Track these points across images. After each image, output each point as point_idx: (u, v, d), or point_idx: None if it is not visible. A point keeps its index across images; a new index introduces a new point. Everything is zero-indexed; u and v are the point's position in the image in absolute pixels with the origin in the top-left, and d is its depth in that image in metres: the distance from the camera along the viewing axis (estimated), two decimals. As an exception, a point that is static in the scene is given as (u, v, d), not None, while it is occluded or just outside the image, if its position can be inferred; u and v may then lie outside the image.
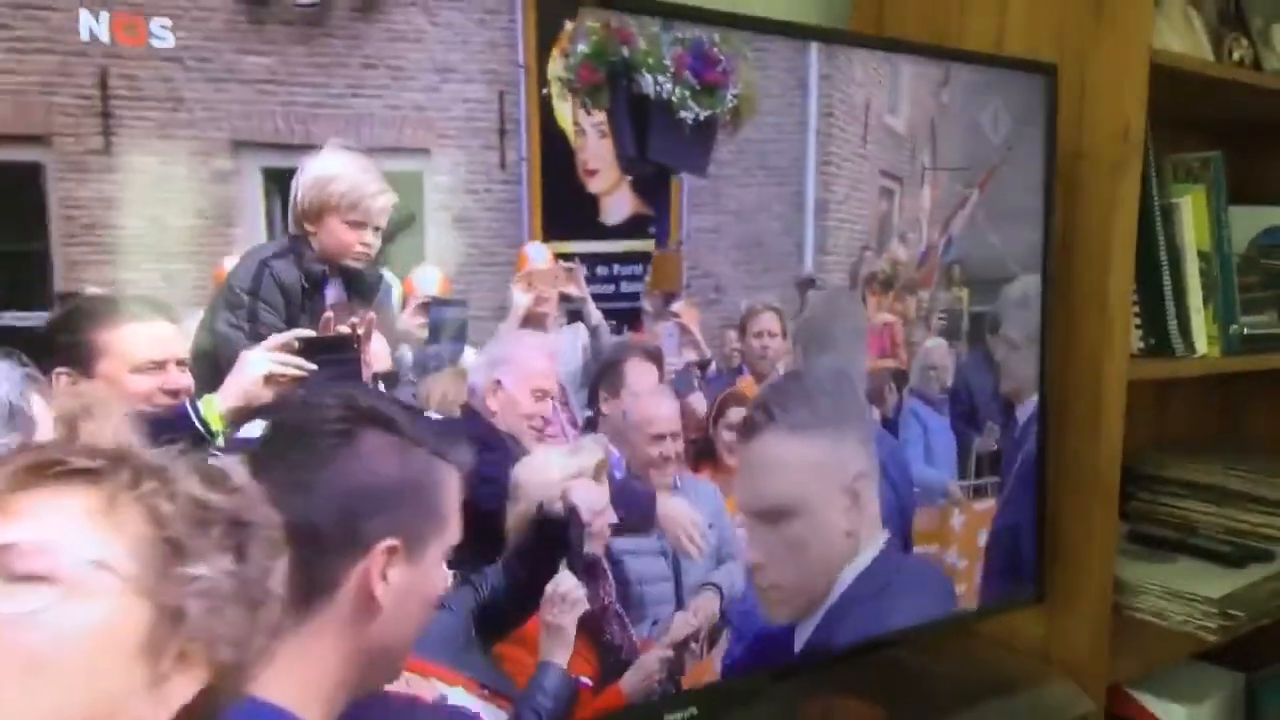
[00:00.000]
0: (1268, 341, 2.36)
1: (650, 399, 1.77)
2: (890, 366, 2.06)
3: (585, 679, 1.60)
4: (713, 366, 1.85)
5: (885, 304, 2.03)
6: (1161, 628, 2.21)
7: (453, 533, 1.18)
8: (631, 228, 1.70)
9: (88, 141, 1.24)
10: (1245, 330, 2.30)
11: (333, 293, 1.44)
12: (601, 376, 1.74)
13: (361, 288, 1.46)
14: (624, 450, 1.74)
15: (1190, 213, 2.19)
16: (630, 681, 1.63)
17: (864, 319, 1.99)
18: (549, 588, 1.53)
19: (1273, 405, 2.81)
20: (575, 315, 1.67)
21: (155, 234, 1.30)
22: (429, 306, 1.51)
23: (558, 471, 1.59)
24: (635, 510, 1.69)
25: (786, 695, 1.86)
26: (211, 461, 1.02)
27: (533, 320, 1.63)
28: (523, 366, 1.61)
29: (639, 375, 1.75)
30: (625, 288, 1.72)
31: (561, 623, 1.54)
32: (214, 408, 1.29)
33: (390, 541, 1.10)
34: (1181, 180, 2.28)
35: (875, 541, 1.69)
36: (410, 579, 1.13)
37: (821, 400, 1.78)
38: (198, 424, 1.27)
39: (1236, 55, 2.26)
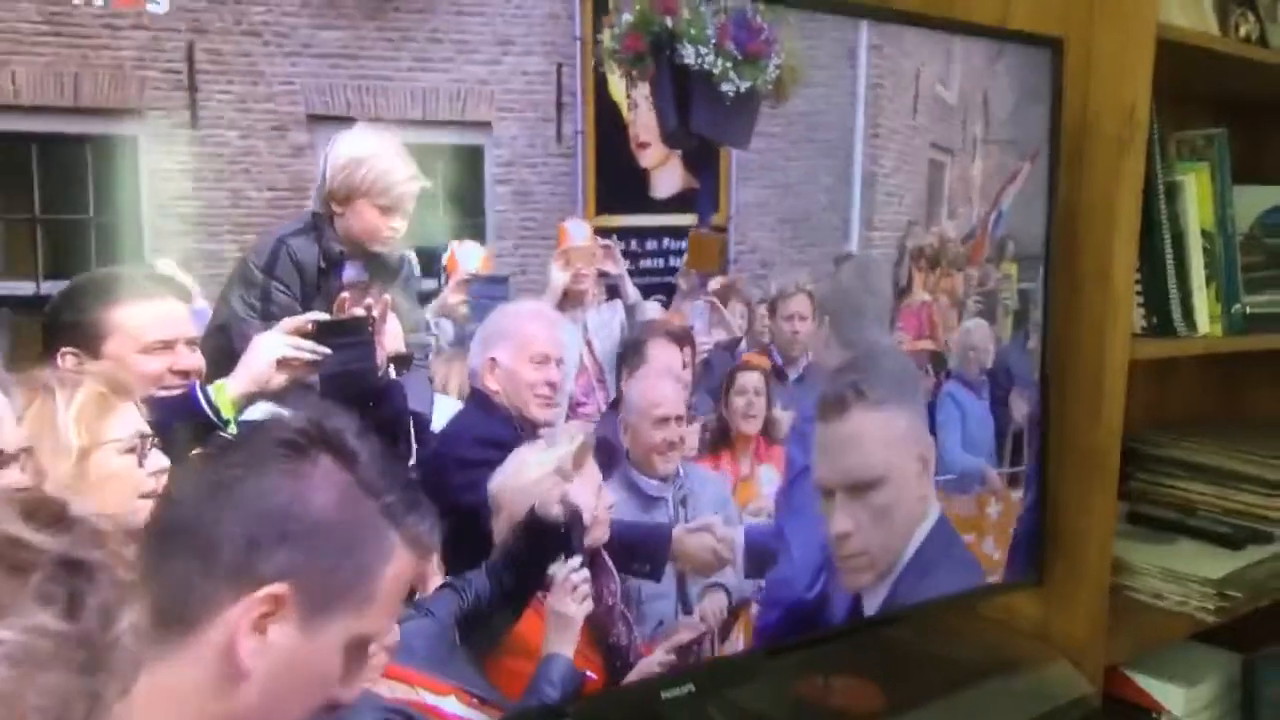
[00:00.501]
0: (1270, 321, 2.34)
1: (654, 381, 1.72)
2: (927, 348, 2.02)
3: (590, 673, 1.57)
4: (742, 345, 1.82)
5: (931, 281, 1.99)
6: (1159, 608, 2.20)
7: (375, 621, 1.00)
8: (680, 202, 1.68)
9: (176, 115, 1.24)
10: (1248, 309, 2.29)
11: (350, 272, 1.40)
12: (624, 356, 1.72)
13: (382, 269, 1.42)
14: (627, 436, 1.71)
15: (1194, 191, 2.17)
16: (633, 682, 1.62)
17: (891, 292, 1.95)
18: (559, 574, 1.50)
19: (1275, 385, 2.79)
20: (614, 292, 1.66)
21: (234, 207, 1.30)
22: (469, 284, 1.50)
23: (535, 470, 1.54)
24: (646, 551, 1.67)
25: (784, 673, 1.85)
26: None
27: (571, 298, 1.62)
28: (516, 337, 1.57)
29: (660, 356, 1.72)
30: (674, 262, 1.70)
31: (569, 612, 1.50)
32: (225, 393, 1.25)
33: (278, 587, 0.92)
34: (1185, 158, 2.26)
35: (936, 504, 1.79)
36: (294, 648, 0.93)
37: (898, 375, 1.87)
38: (207, 409, 1.24)
39: (1243, 31, 2.24)
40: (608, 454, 1.67)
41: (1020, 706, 1.86)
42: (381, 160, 1.37)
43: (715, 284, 1.76)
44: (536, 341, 1.58)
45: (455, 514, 1.43)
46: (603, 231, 1.61)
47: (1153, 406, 2.62)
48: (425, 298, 1.49)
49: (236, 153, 1.29)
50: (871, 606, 1.77)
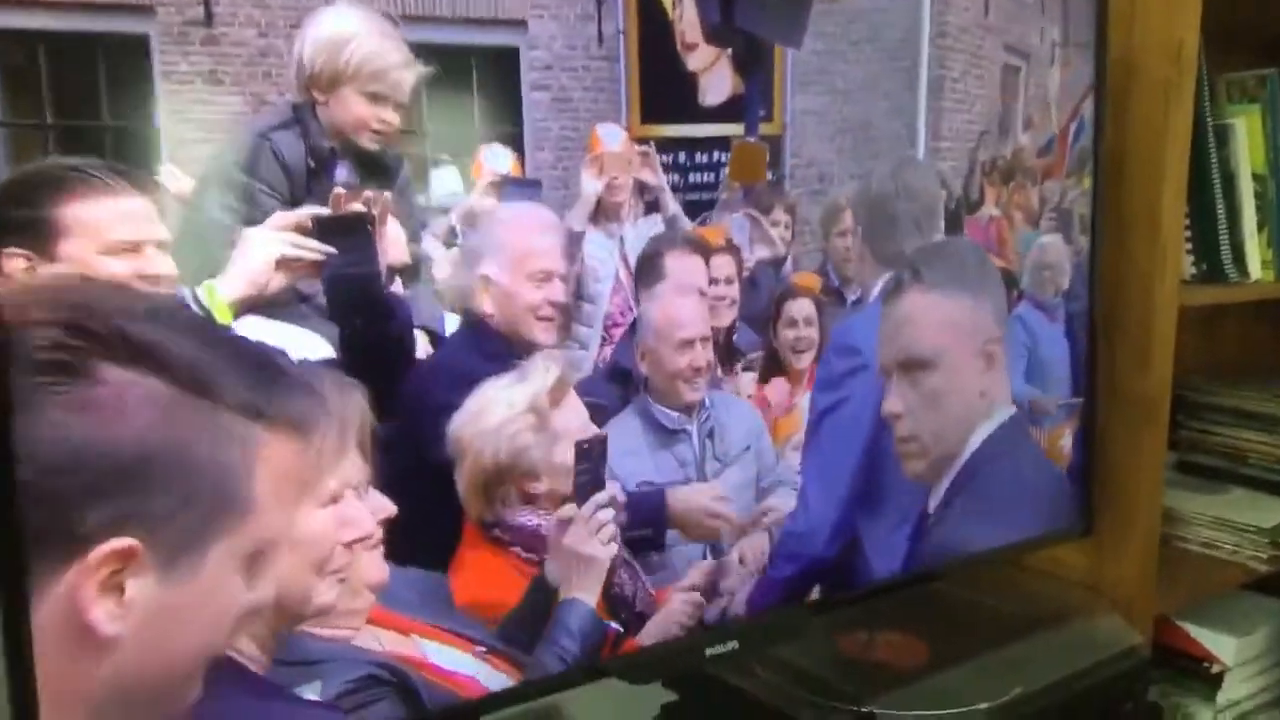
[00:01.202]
0: (1324, 266, 2.28)
1: (674, 299, 1.58)
2: (998, 265, 1.89)
3: (616, 625, 1.48)
4: (789, 265, 1.69)
5: (1004, 196, 1.86)
6: (1210, 558, 2.18)
7: (265, 528, 0.84)
8: (732, 110, 1.55)
9: (188, 12, 1.14)
10: (1301, 254, 2.23)
11: (342, 173, 1.25)
12: (640, 271, 1.56)
13: (376, 171, 1.27)
14: (646, 363, 1.59)
15: (1245, 134, 2.13)
16: (653, 632, 1.53)
17: (939, 196, 1.79)
18: (583, 510, 1.40)
19: (1328, 331, 2.74)
20: (653, 206, 1.53)
21: (253, 111, 1.21)
22: (501, 186, 1.37)
23: (503, 410, 1.38)
24: (641, 516, 1.55)
25: (829, 629, 1.85)
26: None
27: (605, 211, 1.50)
28: (510, 250, 1.41)
29: (681, 270, 1.57)
30: (725, 176, 1.57)
31: (592, 553, 1.40)
32: (216, 295, 1.13)
33: (117, 543, 0.75)
34: (1236, 100, 2.21)
35: (1006, 408, 1.75)
36: (165, 595, 0.78)
37: (962, 264, 1.80)
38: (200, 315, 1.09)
39: (1295, -33, 2.18)
40: (623, 383, 1.58)
41: (1069, 658, 1.84)
42: (369, 40, 1.22)
43: (754, 192, 1.62)
44: (536, 255, 1.43)
45: (429, 469, 1.35)
46: (647, 142, 1.48)
47: (1203, 353, 2.57)
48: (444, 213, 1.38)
49: (254, 53, 1.20)
50: (933, 502, 1.74)
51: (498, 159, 1.38)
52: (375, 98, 1.24)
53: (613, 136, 1.46)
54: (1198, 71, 1.93)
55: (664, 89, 1.49)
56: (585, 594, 1.40)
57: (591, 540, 1.41)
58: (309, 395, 0.88)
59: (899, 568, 1.77)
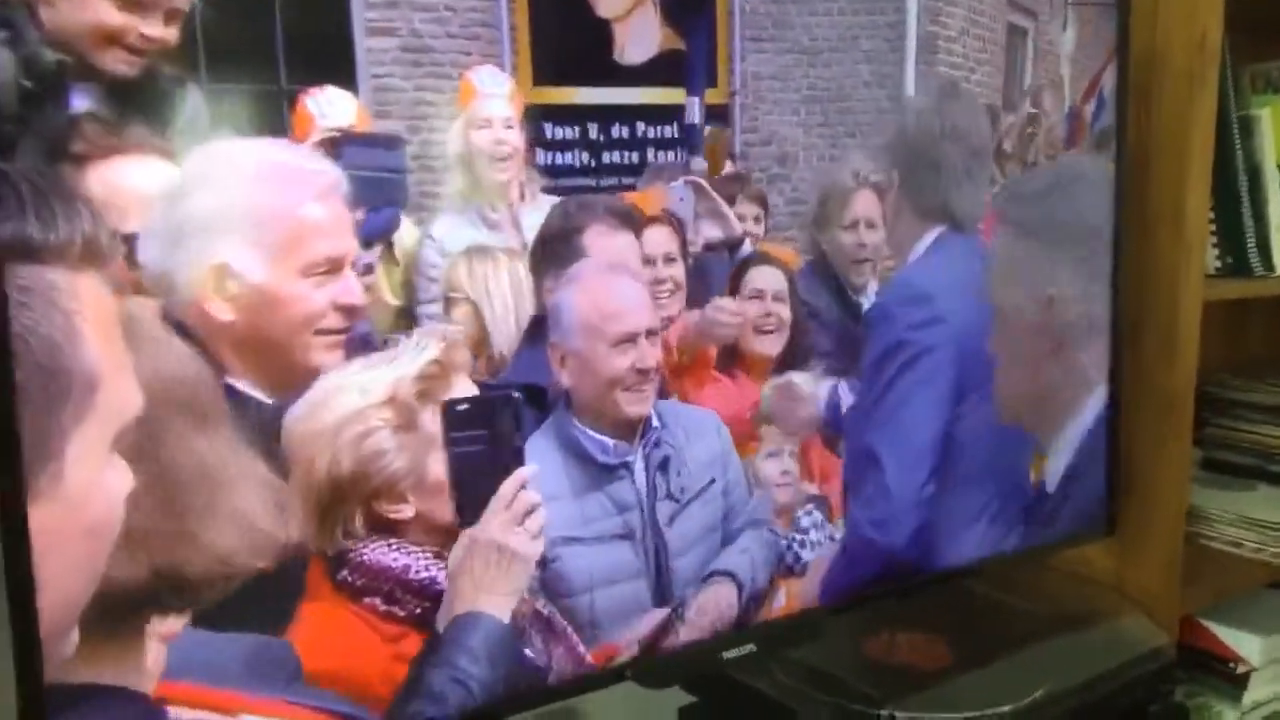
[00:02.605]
0: (1351, 259, 2.25)
1: (604, 280, 1.24)
2: None
3: (533, 655, 1.18)
4: (746, 246, 1.40)
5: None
6: (1236, 556, 2.15)
7: (120, 396, 0.69)
8: (661, 70, 1.22)
9: None
10: (1328, 248, 2.20)
11: (81, 102, 0.92)
12: (545, 254, 1.21)
13: (138, 103, 0.92)
14: (567, 372, 1.26)
15: (1271, 125, 2.09)
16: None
17: (989, 136, 1.53)
18: (502, 491, 1.08)
19: (1355, 326, 2.70)
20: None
21: None
22: (339, 144, 1.02)
23: (352, 400, 1.04)
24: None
25: (849, 629, 1.82)
26: None
27: (485, 191, 1.15)
28: (260, 223, 0.96)
29: (606, 247, 1.23)
30: (654, 159, 1.25)
31: (515, 548, 1.06)
32: None
33: None
34: (1261, 91, 2.19)
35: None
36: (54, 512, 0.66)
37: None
38: None
39: (1321, -45, 2.14)
40: (536, 406, 1.25)
41: (1094, 659, 1.82)
42: None
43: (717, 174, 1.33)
44: (308, 231, 1.00)
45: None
46: (545, 112, 1.13)
47: (1228, 349, 2.54)
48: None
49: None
50: (1053, 479, 1.65)
51: (335, 107, 1.04)
52: (131, 3, 0.90)
53: (493, 82, 1.13)
54: (1221, 62, 1.90)
55: (565, 41, 1.17)
56: (493, 605, 1.07)
57: (513, 529, 1.08)
58: (71, 214, 0.68)
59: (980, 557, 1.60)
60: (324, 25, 1.04)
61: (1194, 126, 1.90)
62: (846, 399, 1.52)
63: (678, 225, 1.33)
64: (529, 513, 1.09)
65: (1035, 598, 2.01)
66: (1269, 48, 2.29)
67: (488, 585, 1.07)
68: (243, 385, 1.03)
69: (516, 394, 1.09)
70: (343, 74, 1.04)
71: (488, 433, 1.07)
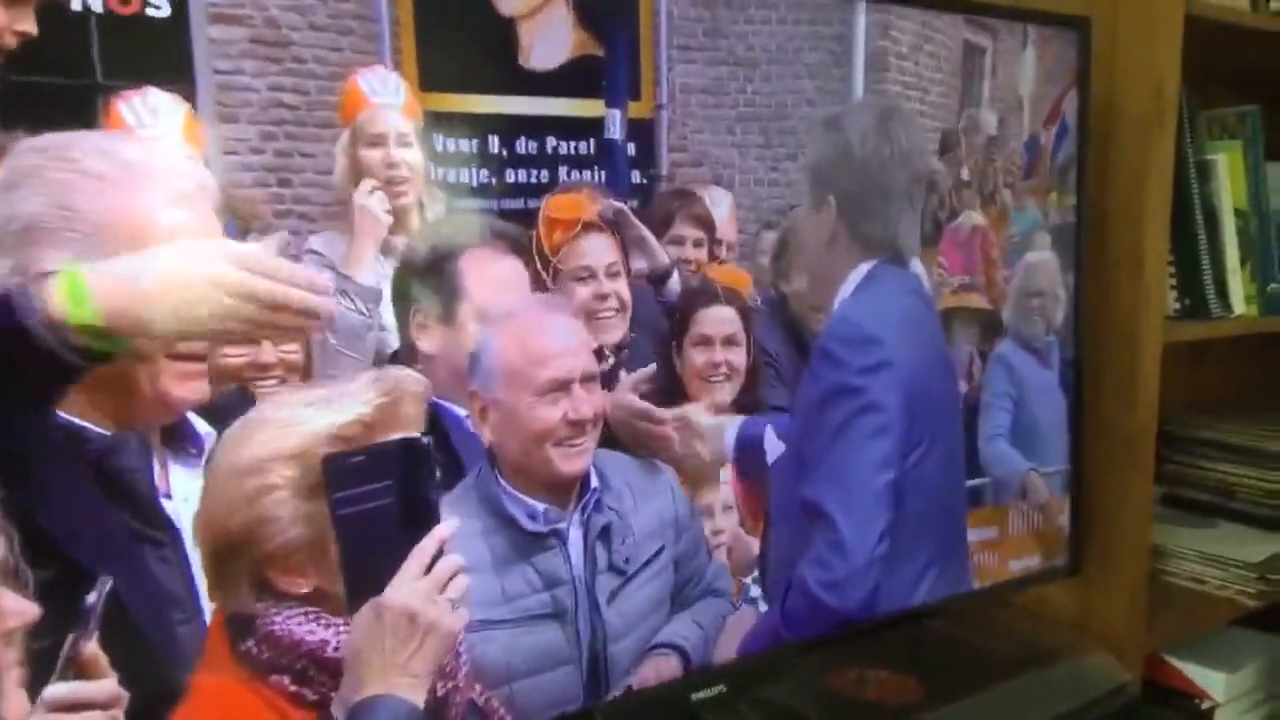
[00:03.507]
0: (1307, 300, 2.29)
1: (531, 316, 1.08)
2: (972, 305, 1.57)
3: None
4: (675, 279, 1.23)
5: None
6: (1200, 593, 2.17)
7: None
8: (575, 78, 1.07)
9: None
10: (1284, 289, 2.23)
11: None
12: (417, 281, 1.03)
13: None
14: (496, 424, 1.07)
15: (1226, 169, 2.13)
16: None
17: (930, 162, 1.37)
18: (422, 544, 0.88)
19: (1313, 365, 2.74)
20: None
21: None
22: None
23: (270, 440, 0.89)
24: None
25: (817, 667, 1.83)
26: None
27: (364, 218, 0.96)
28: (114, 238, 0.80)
29: (495, 282, 1.05)
30: (566, 175, 1.10)
31: (432, 620, 0.87)
32: None
33: None
34: (1217, 136, 2.22)
35: None
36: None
37: None
38: None
39: (1275, 4, 2.19)
40: (453, 471, 1.08)
41: (1059, 697, 1.83)
42: None
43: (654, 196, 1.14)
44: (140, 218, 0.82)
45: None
46: (435, 123, 0.95)
47: (1187, 388, 2.57)
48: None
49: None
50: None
51: (155, 114, 0.88)
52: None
53: (387, 90, 0.96)
54: (1180, 108, 1.94)
55: (460, 39, 1.01)
56: (406, 688, 0.87)
57: (431, 598, 0.88)
58: None
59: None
60: (164, 26, 0.84)
61: (1151, 172, 1.93)
62: (773, 442, 1.39)
63: (616, 230, 1.17)
64: (451, 578, 0.89)
65: (1000, 636, 2.02)
66: (1225, 93, 2.33)
67: (400, 663, 0.87)
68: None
69: (425, 439, 0.90)
70: (176, 69, 0.86)
71: (388, 486, 0.89)
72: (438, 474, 0.91)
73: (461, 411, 1.10)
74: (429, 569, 0.89)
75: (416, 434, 0.91)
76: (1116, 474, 2.02)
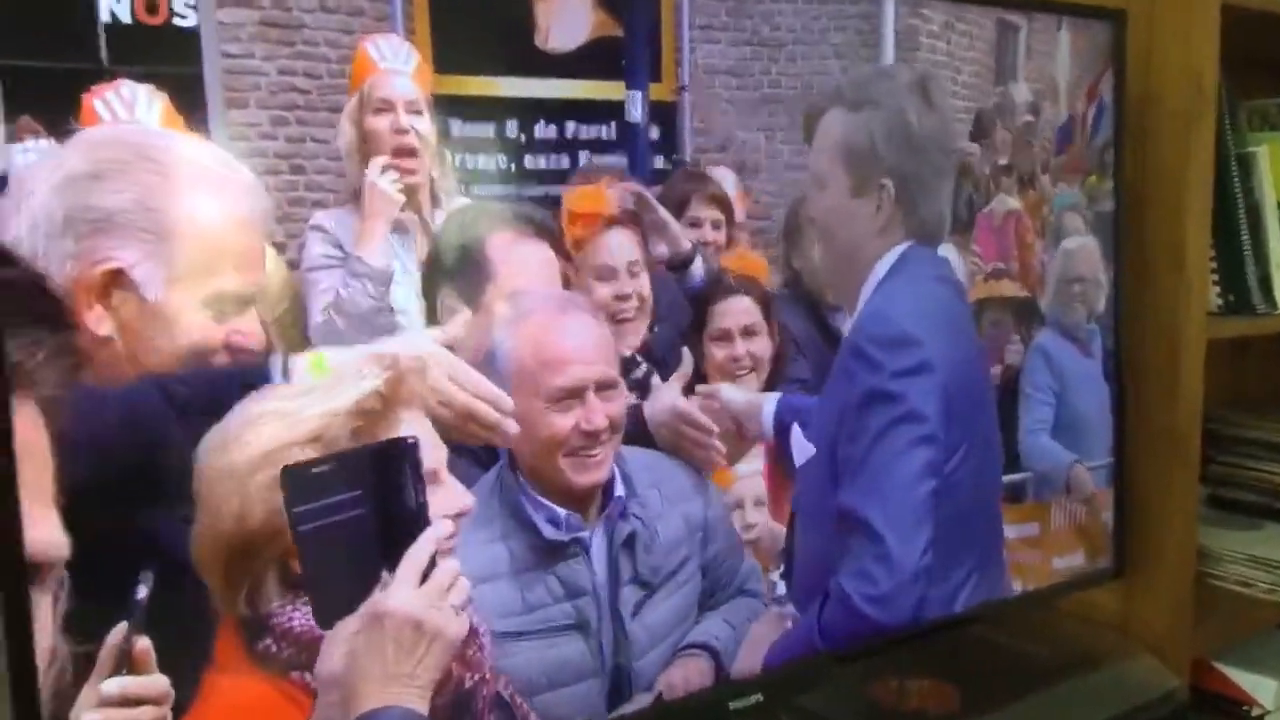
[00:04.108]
0: (1353, 294, 2.24)
1: (550, 320, 1.03)
2: (1003, 294, 1.51)
3: None
4: (699, 265, 1.19)
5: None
6: (1247, 597, 2.12)
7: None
8: (594, 60, 1.03)
9: None
10: (1330, 284, 2.19)
11: None
12: (444, 272, 0.99)
13: None
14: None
15: (1269, 161, 2.10)
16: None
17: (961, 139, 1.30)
18: (414, 550, 0.86)
19: (1359, 361, 2.69)
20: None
21: None
22: None
23: (273, 433, 0.87)
24: None
25: (856, 676, 1.80)
26: None
27: (377, 198, 0.93)
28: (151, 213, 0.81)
29: (522, 267, 1.02)
30: (587, 160, 1.06)
31: (434, 625, 0.84)
32: None
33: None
34: (1258, 128, 2.19)
35: None
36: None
37: None
38: None
39: (1315, -8, 2.15)
40: (487, 458, 1.04)
41: (1105, 703, 1.79)
42: None
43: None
44: (224, 226, 0.85)
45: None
46: (451, 106, 0.93)
47: (1230, 386, 2.53)
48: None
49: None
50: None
51: (131, 107, 0.84)
52: None
53: (396, 56, 0.93)
54: (1219, 100, 1.90)
55: (476, 21, 0.98)
56: (410, 698, 0.84)
57: (435, 604, 0.85)
58: None
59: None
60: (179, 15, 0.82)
61: (1191, 165, 1.90)
62: (801, 443, 1.33)
63: (637, 224, 1.12)
64: (452, 583, 0.87)
65: (1045, 641, 1.99)
66: (1266, 84, 2.29)
67: (405, 673, 0.84)
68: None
69: (411, 439, 0.86)
70: (181, 52, 0.83)
71: (358, 497, 0.85)
72: (424, 474, 0.87)
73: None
74: (426, 573, 0.87)
75: (401, 435, 0.88)
76: (1160, 472, 1.98)
